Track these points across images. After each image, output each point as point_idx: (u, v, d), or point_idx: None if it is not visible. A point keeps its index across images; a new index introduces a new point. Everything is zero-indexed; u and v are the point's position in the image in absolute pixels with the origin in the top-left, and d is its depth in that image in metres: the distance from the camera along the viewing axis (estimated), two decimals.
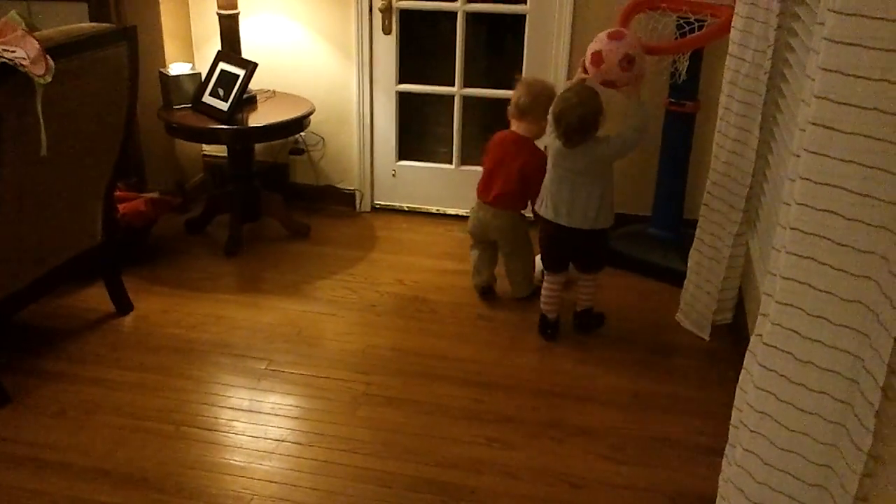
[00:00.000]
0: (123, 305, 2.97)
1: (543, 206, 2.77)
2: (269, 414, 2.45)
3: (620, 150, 2.66)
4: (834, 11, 1.27)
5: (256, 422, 2.41)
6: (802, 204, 1.37)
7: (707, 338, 2.84)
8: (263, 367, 2.68)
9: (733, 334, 2.84)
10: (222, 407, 2.48)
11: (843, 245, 1.32)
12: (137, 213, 3.23)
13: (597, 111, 2.61)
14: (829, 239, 1.34)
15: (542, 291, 2.87)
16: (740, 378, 1.73)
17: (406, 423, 2.41)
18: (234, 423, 2.40)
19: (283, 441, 2.33)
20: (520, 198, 2.98)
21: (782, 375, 1.47)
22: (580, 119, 2.58)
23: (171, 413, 2.44)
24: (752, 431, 1.57)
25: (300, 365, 2.69)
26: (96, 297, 3.01)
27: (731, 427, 1.80)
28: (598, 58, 2.61)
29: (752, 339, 1.65)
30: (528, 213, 3.03)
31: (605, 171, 2.70)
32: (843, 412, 1.38)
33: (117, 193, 2.99)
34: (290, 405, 2.49)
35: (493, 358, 2.75)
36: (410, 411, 2.47)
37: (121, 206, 3.13)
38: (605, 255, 2.95)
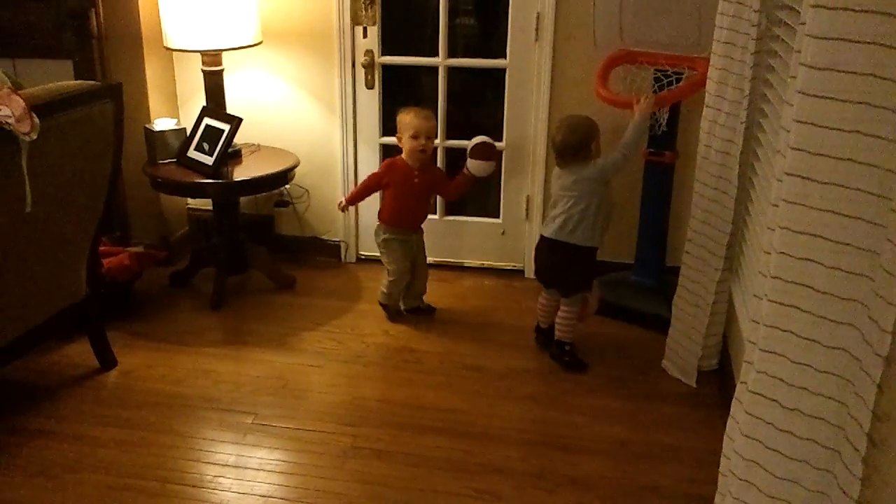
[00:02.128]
0: (107, 361, 2.95)
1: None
2: (255, 469, 2.42)
3: (604, 169, 2.85)
4: (806, 66, 1.32)
5: (243, 477, 2.38)
6: (782, 253, 1.39)
7: (693, 384, 2.85)
8: (249, 422, 2.65)
9: (720, 380, 2.85)
10: (208, 463, 2.45)
11: (823, 293, 1.35)
12: (122, 267, 3.23)
13: (584, 138, 2.84)
14: (810, 287, 1.37)
15: (538, 301, 3.13)
16: (727, 425, 1.74)
17: (394, 476, 2.39)
18: (221, 480, 2.37)
19: (270, 497, 2.30)
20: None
21: (769, 423, 1.48)
22: (563, 142, 2.86)
23: (156, 470, 2.41)
24: (740, 479, 1.58)
25: (287, 418, 2.67)
26: (80, 353, 2.99)
27: (719, 475, 1.80)
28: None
29: (738, 386, 1.66)
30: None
31: (592, 191, 2.84)
32: (831, 459, 1.39)
33: (101, 248, 2.99)
34: (277, 460, 2.47)
35: (481, 408, 2.75)
36: (398, 464, 2.45)
37: (105, 261, 3.12)
38: (584, 283, 2.99)
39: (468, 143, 3.22)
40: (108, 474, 2.39)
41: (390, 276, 3.33)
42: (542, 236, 2.98)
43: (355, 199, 3.39)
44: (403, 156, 3.25)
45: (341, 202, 3.36)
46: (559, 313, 3.00)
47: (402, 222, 3.32)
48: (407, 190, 3.26)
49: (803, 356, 1.40)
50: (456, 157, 3.84)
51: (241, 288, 3.61)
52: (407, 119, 3.16)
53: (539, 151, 3.56)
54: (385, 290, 3.37)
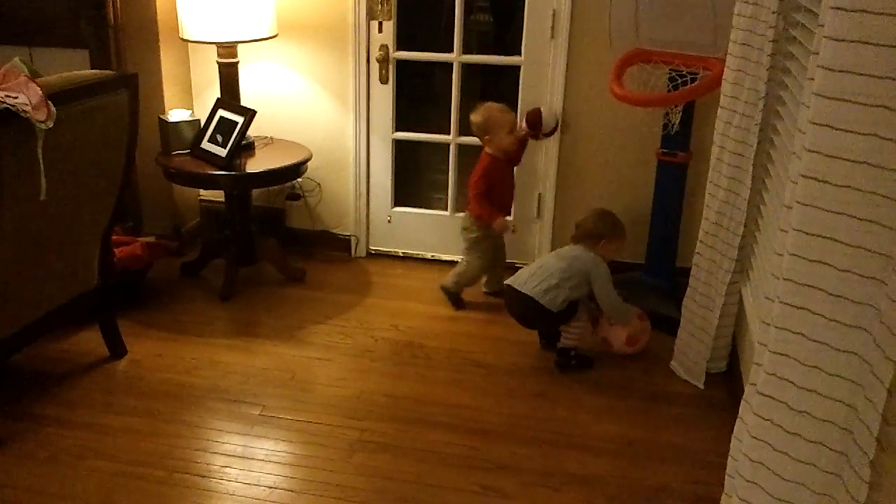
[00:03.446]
0: (117, 349, 2.97)
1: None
2: (262, 460, 2.43)
3: (590, 273, 2.89)
4: (824, 68, 1.31)
5: (250, 468, 2.39)
6: (795, 255, 1.39)
7: (702, 386, 2.84)
8: (257, 413, 2.66)
9: (728, 382, 2.84)
10: (215, 453, 2.46)
11: (836, 296, 1.34)
12: (134, 256, 3.24)
13: (599, 228, 2.96)
14: (822, 290, 1.36)
15: None
16: (736, 427, 1.74)
17: (400, 471, 2.40)
18: (227, 470, 2.39)
19: (276, 488, 2.31)
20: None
21: (777, 425, 1.48)
22: (582, 222, 3.00)
23: (164, 459, 2.42)
24: (747, 481, 1.58)
25: (294, 410, 2.68)
26: (90, 341, 3.01)
27: (726, 476, 1.80)
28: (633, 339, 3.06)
29: (747, 388, 1.66)
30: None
31: (579, 274, 2.88)
32: (839, 462, 1.39)
33: (114, 237, 3.00)
34: (284, 451, 2.48)
35: (488, 405, 2.75)
36: (404, 458, 2.46)
37: (117, 250, 3.13)
38: (566, 320, 2.95)
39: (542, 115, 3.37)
40: (116, 462, 2.40)
41: (471, 271, 3.42)
42: (512, 288, 2.95)
43: (491, 212, 3.34)
44: (492, 151, 3.34)
45: (509, 228, 3.38)
46: (565, 331, 2.98)
47: (504, 213, 3.44)
48: (507, 182, 3.43)
49: (814, 359, 1.39)
50: (467, 154, 3.86)
51: (252, 280, 3.62)
52: (498, 116, 3.27)
53: (552, 150, 3.55)
54: (456, 279, 3.44)
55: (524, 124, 3.40)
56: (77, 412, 2.64)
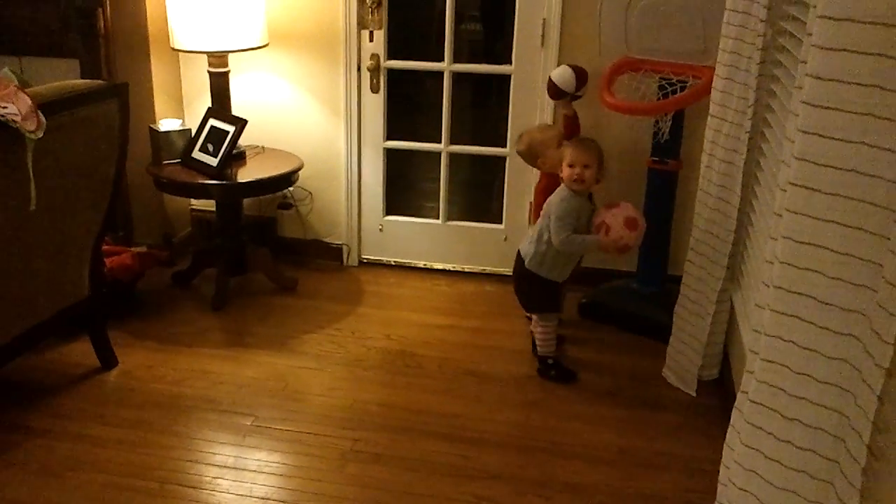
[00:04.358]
0: (108, 360, 2.95)
1: None
2: (254, 471, 2.42)
3: (550, 216, 2.78)
4: (812, 76, 1.32)
5: (242, 479, 2.38)
6: (785, 263, 1.40)
7: (693, 393, 2.85)
8: (249, 423, 2.65)
9: (720, 390, 2.85)
10: (207, 464, 2.45)
11: (826, 303, 1.35)
12: (124, 266, 3.23)
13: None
14: (812, 297, 1.37)
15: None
16: (727, 435, 1.74)
17: (393, 481, 2.39)
18: (219, 481, 2.37)
19: (268, 499, 2.30)
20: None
21: (769, 433, 1.48)
22: None
23: (155, 470, 2.41)
24: (739, 489, 1.58)
25: (286, 421, 2.67)
26: (81, 352, 2.99)
27: (719, 484, 1.80)
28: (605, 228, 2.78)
29: (739, 396, 1.66)
30: None
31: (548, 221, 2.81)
32: (831, 470, 1.39)
33: (104, 247, 2.99)
34: (276, 462, 2.47)
35: (480, 414, 2.74)
36: (397, 468, 2.45)
37: (108, 260, 3.12)
38: (539, 306, 2.97)
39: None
40: (107, 474, 2.39)
41: None
42: (517, 253, 2.99)
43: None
44: (549, 170, 3.08)
45: None
46: (535, 329, 3.00)
47: None
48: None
49: (804, 366, 1.40)
50: (458, 163, 3.87)
51: (243, 289, 3.61)
52: (539, 137, 3.11)
53: None
54: None
55: (554, 102, 3.31)
56: (68, 423, 2.62)
